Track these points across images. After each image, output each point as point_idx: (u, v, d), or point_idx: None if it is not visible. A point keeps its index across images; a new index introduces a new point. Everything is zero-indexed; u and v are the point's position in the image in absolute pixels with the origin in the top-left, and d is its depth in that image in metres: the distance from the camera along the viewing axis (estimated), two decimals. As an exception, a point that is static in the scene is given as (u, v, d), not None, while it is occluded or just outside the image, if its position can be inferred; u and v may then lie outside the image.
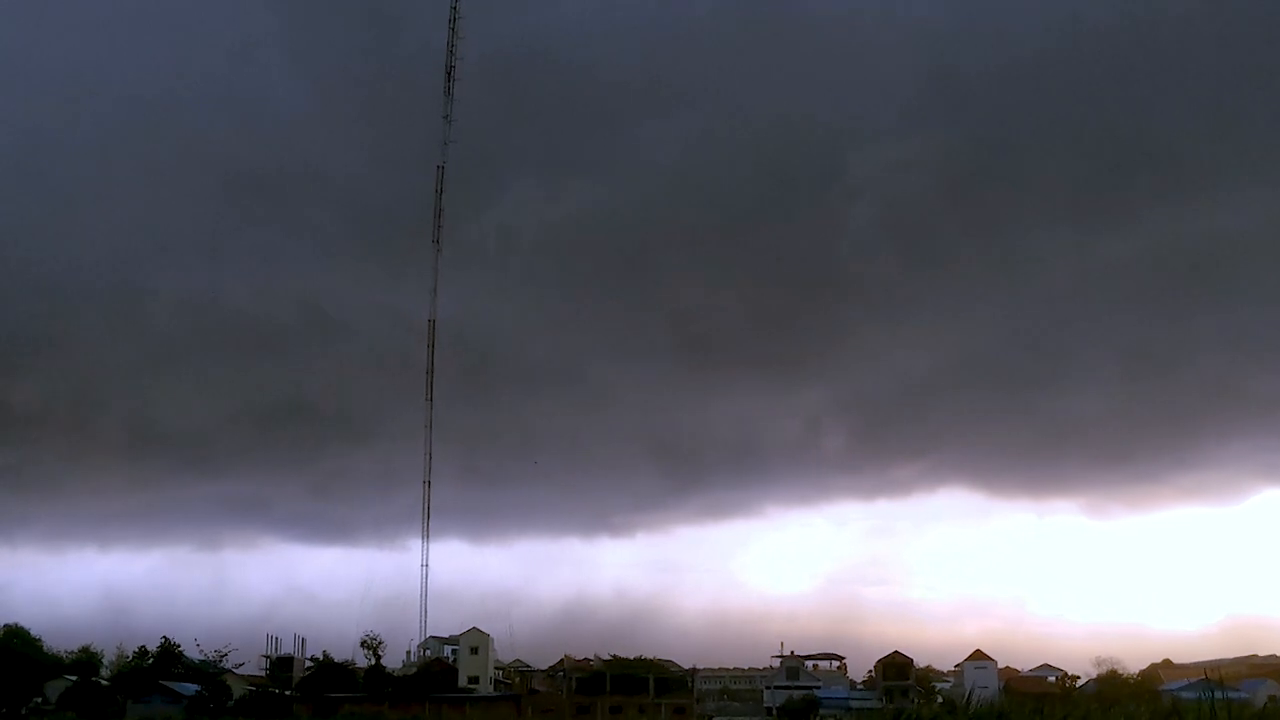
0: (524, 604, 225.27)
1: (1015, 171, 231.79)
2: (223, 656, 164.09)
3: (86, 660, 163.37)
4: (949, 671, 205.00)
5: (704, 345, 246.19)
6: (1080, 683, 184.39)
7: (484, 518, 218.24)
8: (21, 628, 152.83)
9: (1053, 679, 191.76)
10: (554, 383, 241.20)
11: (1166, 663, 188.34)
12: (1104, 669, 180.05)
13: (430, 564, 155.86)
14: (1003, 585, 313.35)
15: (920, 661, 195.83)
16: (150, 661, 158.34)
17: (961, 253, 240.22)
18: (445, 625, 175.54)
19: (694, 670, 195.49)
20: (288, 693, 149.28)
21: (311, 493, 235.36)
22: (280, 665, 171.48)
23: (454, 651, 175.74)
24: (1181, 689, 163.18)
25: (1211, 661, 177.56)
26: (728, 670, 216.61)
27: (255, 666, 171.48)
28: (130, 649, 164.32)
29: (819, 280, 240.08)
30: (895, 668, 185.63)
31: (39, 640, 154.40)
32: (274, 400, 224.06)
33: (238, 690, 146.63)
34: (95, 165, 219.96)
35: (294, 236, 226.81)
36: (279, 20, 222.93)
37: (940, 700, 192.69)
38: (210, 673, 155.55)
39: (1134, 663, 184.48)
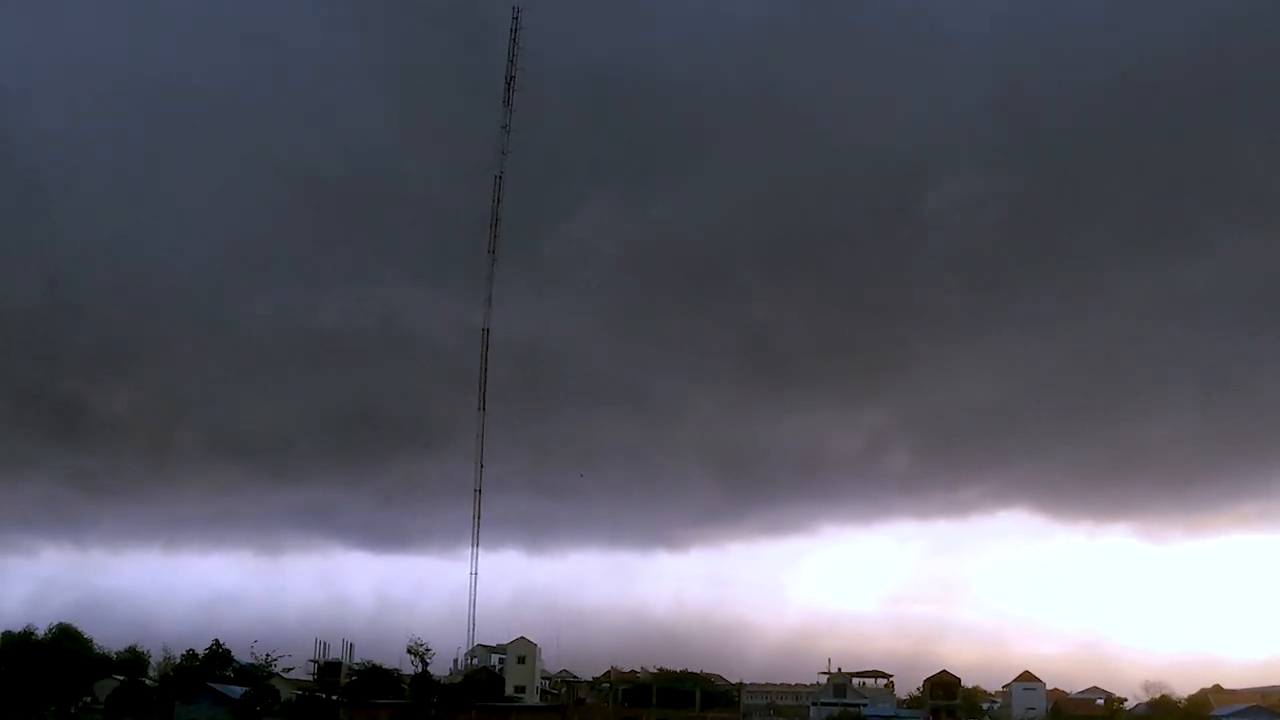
0: (575, 615, 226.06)
1: (1086, 199, 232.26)
2: (272, 660, 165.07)
3: (133, 660, 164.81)
4: (997, 692, 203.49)
5: (771, 365, 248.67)
6: (1129, 706, 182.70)
7: (544, 529, 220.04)
8: (73, 627, 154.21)
9: (1101, 702, 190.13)
10: (621, 398, 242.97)
11: (1217, 688, 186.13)
12: (1153, 693, 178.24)
13: (485, 574, 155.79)
14: (1056, 607, 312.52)
15: (968, 681, 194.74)
16: (198, 663, 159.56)
17: (1030, 280, 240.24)
18: (497, 634, 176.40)
19: (740, 685, 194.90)
20: (333, 697, 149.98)
21: (379, 501, 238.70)
22: (327, 670, 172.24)
23: (501, 660, 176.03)
24: (1232, 715, 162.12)
25: (1264, 689, 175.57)
26: (775, 686, 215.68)
27: (303, 671, 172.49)
28: (179, 651, 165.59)
29: (888, 305, 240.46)
30: (943, 687, 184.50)
31: (90, 640, 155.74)
32: (348, 410, 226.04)
33: (285, 694, 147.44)
34: (187, 179, 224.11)
35: (375, 250, 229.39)
36: (366, 36, 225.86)
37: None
38: (258, 676, 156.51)
39: (1185, 688, 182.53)
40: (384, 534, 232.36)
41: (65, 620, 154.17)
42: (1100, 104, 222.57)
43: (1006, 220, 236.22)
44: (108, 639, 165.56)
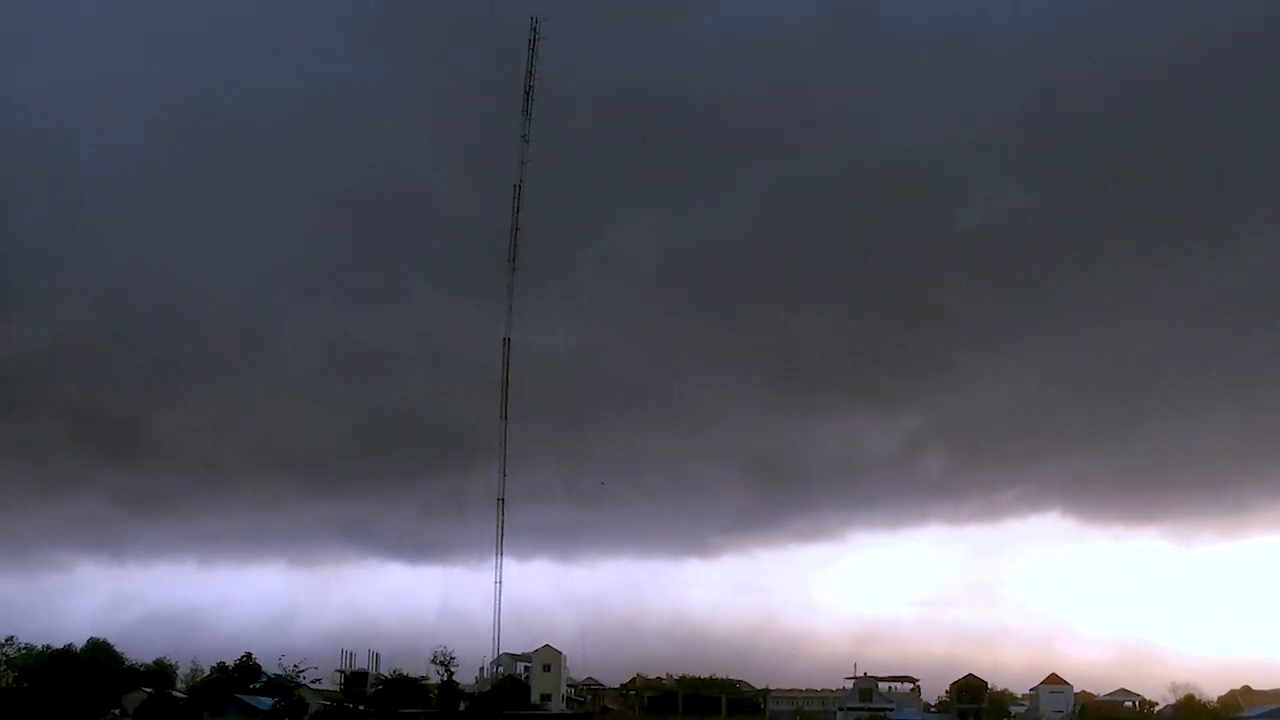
0: (602, 623, 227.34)
1: (1117, 203, 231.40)
2: (300, 672, 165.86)
3: (160, 672, 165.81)
4: (1024, 695, 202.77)
5: (804, 372, 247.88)
6: (1158, 708, 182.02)
7: (576, 538, 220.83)
8: (104, 641, 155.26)
9: (1129, 704, 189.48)
10: (655, 407, 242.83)
11: (1246, 689, 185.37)
12: (1180, 695, 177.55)
13: (514, 583, 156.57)
14: (1086, 611, 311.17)
15: (997, 685, 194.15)
16: (226, 675, 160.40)
17: (1064, 285, 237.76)
18: (525, 643, 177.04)
19: (766, 691, 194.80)
20: (360, 708, 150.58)
21: (416, 513, 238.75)
22: (354, 680, 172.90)
23: (527, 668, 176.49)
24: (1261, 716, 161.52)
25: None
26: (800, 692, 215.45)
27: (330, 682, 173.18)
28: (208, 663, 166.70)
29: (921, 311, 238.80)
30: (969, 691, 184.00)
31: (122, 655, 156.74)
32: (387, 425, 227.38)
33: (313, 704, 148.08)
34: (228, 204, 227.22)
35: (411, 267, 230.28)
36: (398, 54, 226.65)
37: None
38: (286, 687, 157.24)
39: (1215, 690, 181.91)
40: (419, 545, 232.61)
41: (117, 634, 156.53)
42: (1130, 106, 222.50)
43: (1040, 225, 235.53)
44: (151, 653, 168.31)
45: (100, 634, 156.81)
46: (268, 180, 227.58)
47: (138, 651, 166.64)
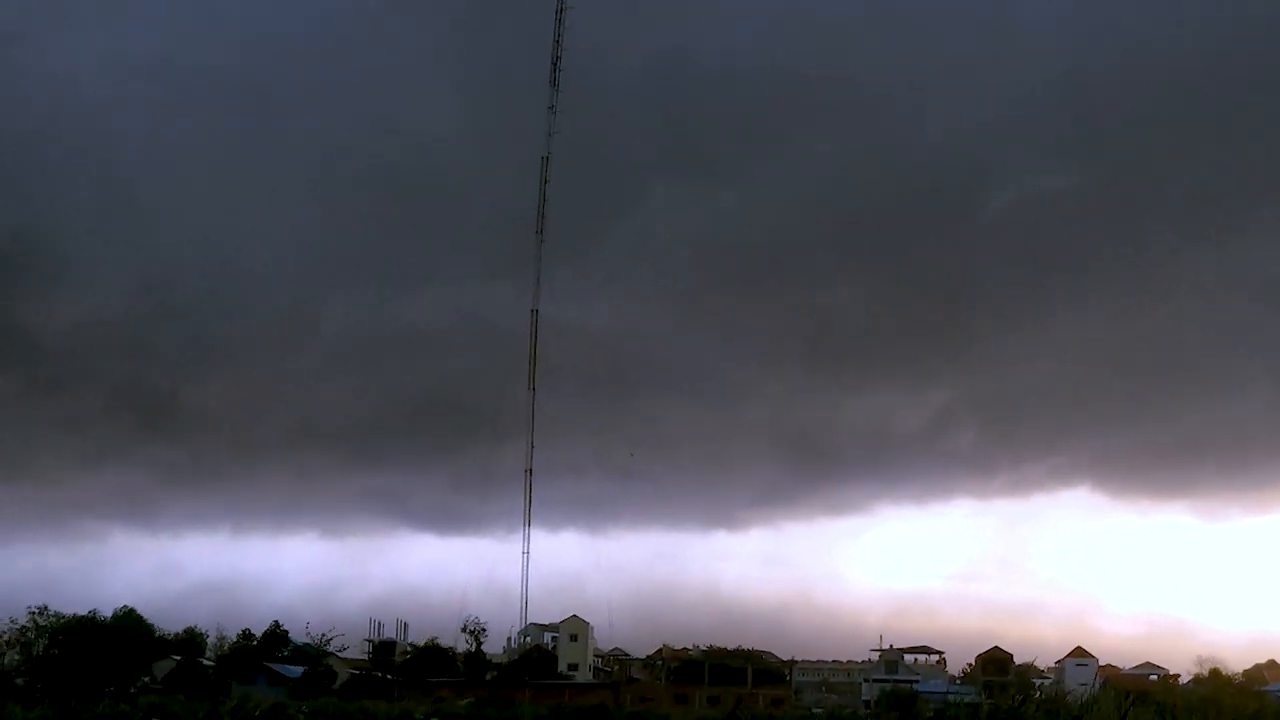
0: (630, 595, 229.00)
1: (1150, 179, 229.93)
2: (328, 640, 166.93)
3: (190, 640, 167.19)
4: (1049, 668, 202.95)
5: (836, 348, 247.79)
6: (1183, 681, 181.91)
7: (606, 511, 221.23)
8: (132, 610, 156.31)
9: (1154, 677, 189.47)
10: (687, 382, 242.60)
11: (1271, 663, 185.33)
12: (1205, 668, 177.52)
13: (543, 555, 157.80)
14: (1113, 585, 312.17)
15: (1023, 658, 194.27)
16: (254, 644, 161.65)
17: (1096, 261, 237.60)
18: (553, 613, 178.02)
19: (792, 662, 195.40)
20: (389, 676, 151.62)
21: (449, 486, 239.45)
22: (382, 650, 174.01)
23: (554, 639, 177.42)
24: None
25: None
26: (826, 663, 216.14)
27: (358, 651, 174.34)
28: (234, 632, 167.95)
29: (953, 288, 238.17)
30: (995, 663, 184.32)
31: (151, 625, 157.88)
32: (424, 399, 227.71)
33: (342, 674, 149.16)
34: (271, 182, 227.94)
35: (447, 244, 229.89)
36: (434, 38, 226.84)
37: (1039, 695, 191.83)
38: (314, 656, 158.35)
39: (1241, 664, 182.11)
40: (450, 517, 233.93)
41: (151, 603, 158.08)
42: (1163, 83, 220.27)
43: (1073, 204, 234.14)
44: (182, 622, 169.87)
45: (136, 603, 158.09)
46: (305, 156, 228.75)
47: (169, 621, 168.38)
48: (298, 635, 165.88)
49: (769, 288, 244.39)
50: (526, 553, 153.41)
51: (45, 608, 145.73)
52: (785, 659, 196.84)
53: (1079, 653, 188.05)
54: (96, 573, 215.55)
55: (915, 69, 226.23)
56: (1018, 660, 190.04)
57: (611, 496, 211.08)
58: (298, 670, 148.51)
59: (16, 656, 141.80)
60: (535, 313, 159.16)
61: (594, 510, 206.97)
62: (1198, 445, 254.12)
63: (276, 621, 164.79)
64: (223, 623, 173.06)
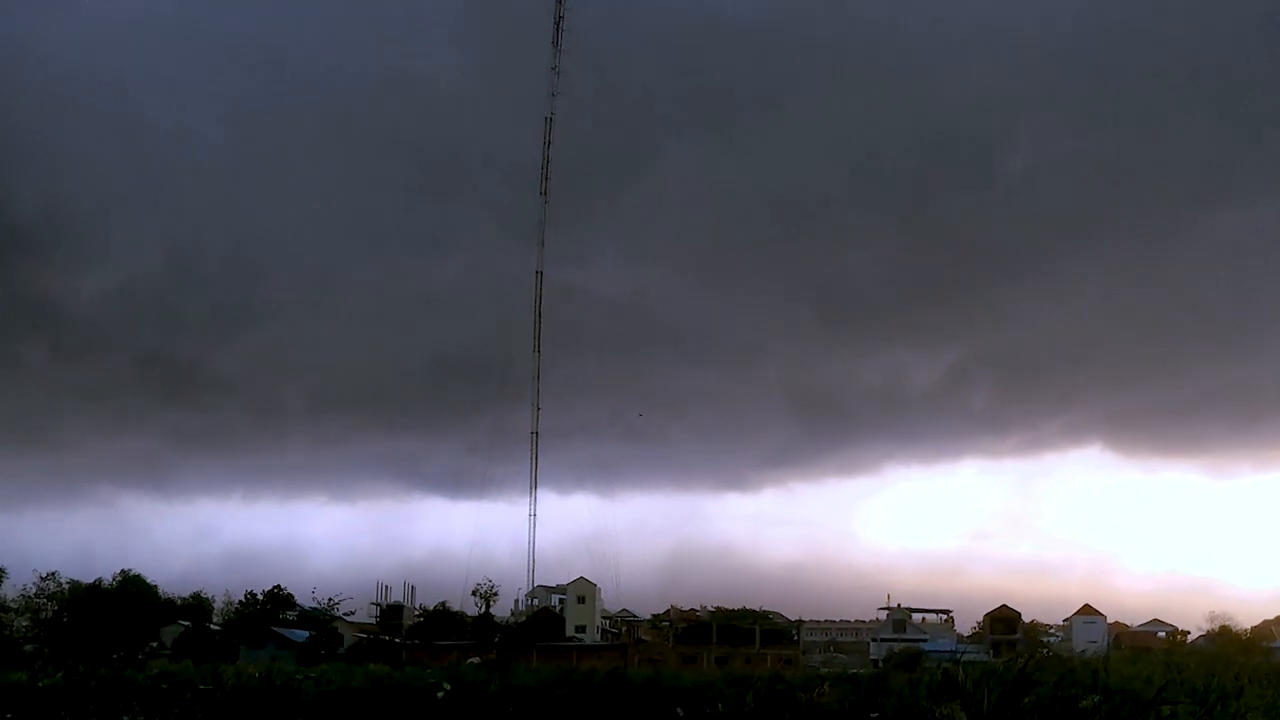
0: (639, 556, 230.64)
1: (1168, 138, 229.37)
2: (335, 604, 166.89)
3: (197, 605, 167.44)
4: (1057, 626, 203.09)
5: (850, 307, 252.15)
6: (1191, 638, 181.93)
7: (618, 473, 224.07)
8: (139, 575, 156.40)
9: (1162, 634, 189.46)
10: (699, 342, 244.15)
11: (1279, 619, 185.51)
12: (1215, 624, 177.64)
13: (553, 517, 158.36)
14: (1124, 543, 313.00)
15: (1029, 616, 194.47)
16: (260, 608, 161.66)
17: (1111, 220, 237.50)
18: (562, 575, 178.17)
19: (800, 622, 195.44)
20: (397, 640, 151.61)
21: (463, 449, 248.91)
22: (390, 613, 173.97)
23: (562, 601, 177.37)
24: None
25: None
26: (834, 623, 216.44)
27: (366, 615, 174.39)
28: (238, 596, 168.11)
29: (966, 248, 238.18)
30: (1003, 622, 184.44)
31: (155, 586, 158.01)
32: (440, 363, 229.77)
33: (349, 638, 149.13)
34: (291, 152, 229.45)
35: (465, 208, 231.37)
36: (454, 3, 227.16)
37: (1047, 653, 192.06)
38: (321, 619, 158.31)
39: (1249, 620, 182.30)
40: (462, 480, 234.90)
41: (165, 568, 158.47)
42: (1178, 49, 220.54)
43: (1087, 166, 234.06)
44: (192, 586, 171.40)
45: (149, 569, 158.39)
46: (325, 123, 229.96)
47: (178, 586, 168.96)
48: (304, 599, 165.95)
49: (782, 248, 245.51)
50: (533, 515, 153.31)
51: (54, 574, 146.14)
52: (793, 619, 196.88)
53: (1087, 610, 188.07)
54: (111, 539, 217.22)
55: (935, 32, 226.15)
56: (1029, 618, 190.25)
57: (624, 459, 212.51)
58: (304, 634, 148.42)
59: (25, 623, 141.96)
60: (540, 274, 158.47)
61: (606, 472, 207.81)
62: (1207, 403, 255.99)
63: (278, 585, 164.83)
64: (231, 588, 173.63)
